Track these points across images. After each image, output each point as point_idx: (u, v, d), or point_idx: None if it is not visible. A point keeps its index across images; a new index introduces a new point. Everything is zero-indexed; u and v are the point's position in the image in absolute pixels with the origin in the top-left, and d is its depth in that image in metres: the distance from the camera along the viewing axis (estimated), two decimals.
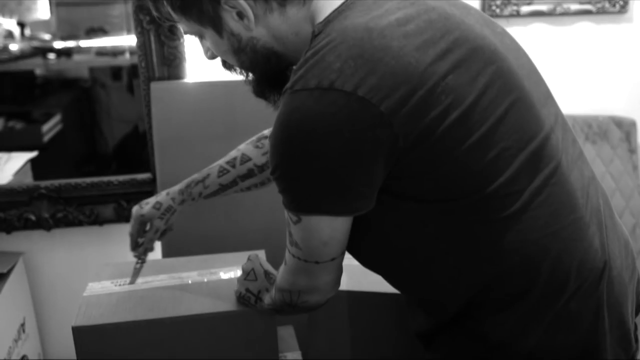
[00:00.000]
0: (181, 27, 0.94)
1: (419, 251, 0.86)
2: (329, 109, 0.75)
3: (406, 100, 0.75)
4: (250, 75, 0.96)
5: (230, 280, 1.18)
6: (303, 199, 0.82)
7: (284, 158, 0.80)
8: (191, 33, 0.93)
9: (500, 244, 0.82)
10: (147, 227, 1.22)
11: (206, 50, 0.96)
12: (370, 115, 0.75)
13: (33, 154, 2.05)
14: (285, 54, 0.90)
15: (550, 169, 0.83)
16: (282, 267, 0.94)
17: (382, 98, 0.74)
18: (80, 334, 1.05)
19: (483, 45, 0.83)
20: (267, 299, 1.03)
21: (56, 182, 1.80)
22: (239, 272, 1.13)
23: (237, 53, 0.91)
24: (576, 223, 0.84)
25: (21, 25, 2.25)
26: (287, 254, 0.90)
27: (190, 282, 1.19)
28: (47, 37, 2.32)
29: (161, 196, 1.21)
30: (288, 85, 0.79)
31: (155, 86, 1.70)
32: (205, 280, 1.19)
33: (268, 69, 0.92)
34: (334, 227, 0.83)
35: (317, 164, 0.77)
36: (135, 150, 2.17)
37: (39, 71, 2.41)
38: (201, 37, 0.94)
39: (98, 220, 1.82)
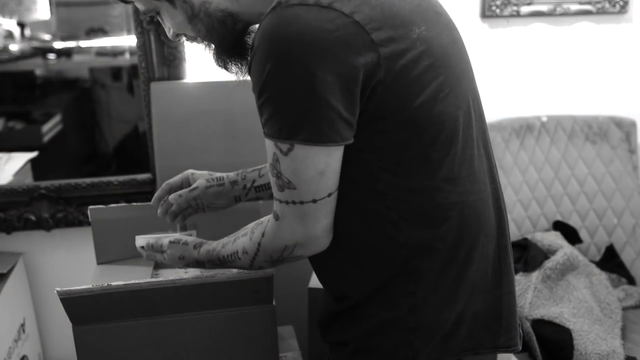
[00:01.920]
0: (139, 7, 0.94)
1: (364, 205, 0.86)
2: (328, 25, 0.76)
3: (391, 36, 0.79)
4: (212, 45, 0.94)
5: (228, 276, 1.18)
6: (295, 123, 0.78)
7: (274, 74, 0.76)
8: (149, 12, 0.93)
9: (442, 204, 0.86)
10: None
11: (168, 30, 0.96)
12: (362, 41, 0.77)
13: (33, 154, 2.05)
14: (240, 13, 0.89)
15: (471, 143, 0.89)
16: (268, 225, 0.88)
17: (374, 28, 0.78)
18: (81, 333, 1.05)
19: (442, 13, 0.91)
20: (224, 251, 0.96)
21: (56, 182, 1.81)
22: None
23: (192, 21, 0.90)
24: (485, 199, 0.92)
25: (21, 25, 2.25)
26: (276, 207, 0.85)
27: (190, 277, 1.19)
28: (47, 37, 2.32)
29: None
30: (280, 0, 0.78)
31: (155, 86, 1.71)
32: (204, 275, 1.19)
33: (225, 34, 0.91)
34: (328, 154, 0.80)
35: (310, 81, 0.75)
36: (135, 150, 2.17)
37: (39, 71, 2.41)
38: (158, 15, 0.94)
39: None
